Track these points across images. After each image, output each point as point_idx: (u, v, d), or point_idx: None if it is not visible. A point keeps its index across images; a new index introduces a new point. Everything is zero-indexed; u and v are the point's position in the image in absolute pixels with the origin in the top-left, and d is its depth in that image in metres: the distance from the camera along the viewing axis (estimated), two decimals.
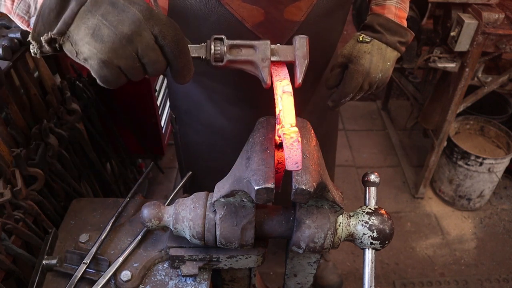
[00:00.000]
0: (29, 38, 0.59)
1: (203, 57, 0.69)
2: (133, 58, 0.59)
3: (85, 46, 0.58)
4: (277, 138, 0.77)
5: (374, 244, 0.78)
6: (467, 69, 1.92)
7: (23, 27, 0.64)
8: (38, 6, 0.60)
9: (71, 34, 0.58)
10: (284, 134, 0.65)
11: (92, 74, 0.60)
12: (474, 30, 1.78)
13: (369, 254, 0.79)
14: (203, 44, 0.70)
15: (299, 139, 0.64)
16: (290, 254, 0.92)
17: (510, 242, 2.32)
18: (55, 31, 0.58)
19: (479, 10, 1.77)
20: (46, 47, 0.59)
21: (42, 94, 1.32)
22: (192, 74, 0.66)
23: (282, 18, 0.91)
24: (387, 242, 0.79)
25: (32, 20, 0.62)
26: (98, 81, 0.61)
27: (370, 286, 0.77)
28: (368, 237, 0.78)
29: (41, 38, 0.58)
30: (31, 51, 0.60)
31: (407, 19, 1.06)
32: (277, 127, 0.73)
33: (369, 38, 0.95)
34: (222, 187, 0.78)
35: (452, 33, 1.85)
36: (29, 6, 0.62)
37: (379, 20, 0.98)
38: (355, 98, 0.99)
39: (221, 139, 1.22)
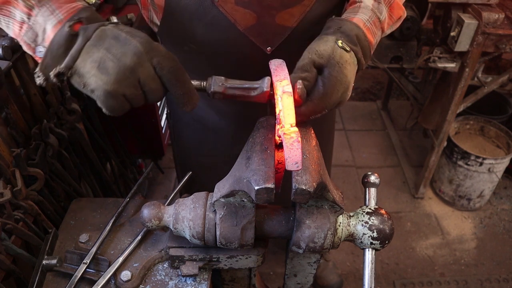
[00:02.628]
0: (37, 70, 0.64)
1: (203, 85, 0.73)
2: (136, 86, 0.64)
3: (92, 78, 0.62)
4: (277, 138, 0.77)
5: (374, 244, 0.78)
6: (467, 69, 1.92)
7: (29, 52, 0.69)
8: (46, 37, 0.65)
9: (78, 67, 0.63)
10: (284, 134, 0.65)
11: (98, 104, 0.64)
12: (474, 30, 1.78)
13: (369, 254, 0.79)
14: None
15: (299, 139, 0.64)
16: (290, 254, 0.92)
17: (510, 242, 2.32)
18: (62, 65, 0.62)
19: (479, 10, 1.77)
20: (54, 80, 0.63)
21: (42, 94, 1.32)
22: (195, 102, 0.70)
23: (274, 23, 0.92)
24: (387, 242, 0.79)
25: (39, 48, 0.67)
26: (104, 110, 0.65)
27: (370, 287, 0.77)
28: (368, 237, 0.78)
29: (49, 72, 0.63)
30: (37, 81, 0.64)
31: (407, 19, 1.03)
32: (277, 127, 0.73)
33: (349, 48, 0.79)
34: (222, 187, 0.78)
35: (452, 33, 1.85)
36: (36, 35, 0.67)
37: (358, 32, 0.82)
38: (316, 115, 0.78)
39: (212, 135, 1.22)
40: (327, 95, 0.75)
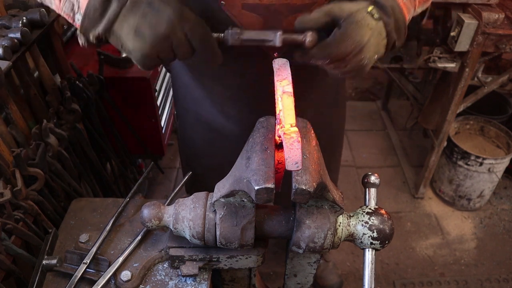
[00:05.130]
0: (77, 32, 0.71)
1: (220, 37, 0.77)
2: (169, 50, 0.70)
3: (129, 42, 0.69)
4: (277, 138, 0.77)
5: (374, 244, 0.78)
6: (467, 69, 1.92)
7: (70, 21, 0.75)
8: (81, 4, 0.70)
9: (115, 30, 0.69)
10: (284, 134, 0.65)
11: (134, 61, 0.72)
12: (474, 30, 1.78)
13: (369, 254, 0.79)
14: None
15: (299, 139, 0.64)
16: (290, 254, 0.92)
17: (510, 242, 2.32)
18: (101, 28, 0.68)
19: (479, 10, 1.77)
20: (93, 41, 0.70)
21: (42, 94, 1.32)
22: (218, 61, 0.76)
23: (281, 28, 0.91)
24: (387, 242, 0.79)
25: (77, 16, 0.73)
26: (139, 66, 0.73)
27: (370, 287, 0.77)
28: (368, 237, 0.78)
29: (89, 33, 0.70)
30: (80, 42, 0.71)
31: None
32: (277, 127, 0.73)
33: (378, 16, 0.75)
34: (222, 187, 0.78)
35: (452, 33, 1.85)
36: (73, 5, 0.73)
37: (394, 4, 0.77)
38: (326, 66, 0.77)
39: (219, 137, 1.22)
40: (331, 44, 0.73)
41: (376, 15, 0.75)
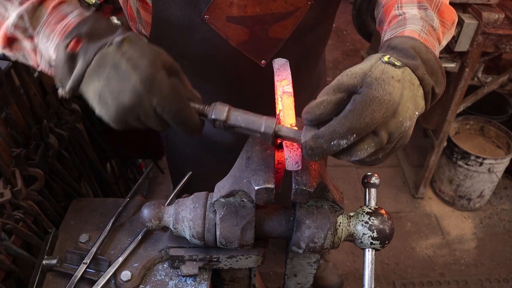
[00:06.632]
0: (56, 83, 0.65)
1: (205, 113, 0.66)
2: (137, 120, 0.62)
3: (95, 106, 0.63)
4: None
5: (374, 244, 0.78)
6: (467, 69, 1.92)
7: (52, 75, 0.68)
8: (52, 58, 0.64)
9: (83, 90, 0.63)
10: None
11: None
12: (474, 30, 1.78)
13: (369, 254, 0.79)
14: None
15: None
16: (290, 254, 0.92)
17: (510, 242, 2.32)
18: (68, 88, 0.63)
19: (479, 10, 1.77)
20: (67, 96, 0.65)
21: (42, 94, 1.32)
22: (200, 130, 0.66)
23: (267, 37, 0.91)
24: (387, 242, 0.79)
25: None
26: None
27: (370, 287, 0.77)
28: (368, 237, 0.78)
29: (62, 89, 0.64)
30: (59, 94, 0.65)
31: None
32: None
33: (400, 63, 0.60)
34: (222, 187, 0.78)
35: None
36: (50, 62, 0.66)
37: (415, 43, 0.63)
38: (357, 154, 0.58)
39: (209, 151, 1.20)
40: (354, 112, 0.55)
41: (397, 63, 0.60)
